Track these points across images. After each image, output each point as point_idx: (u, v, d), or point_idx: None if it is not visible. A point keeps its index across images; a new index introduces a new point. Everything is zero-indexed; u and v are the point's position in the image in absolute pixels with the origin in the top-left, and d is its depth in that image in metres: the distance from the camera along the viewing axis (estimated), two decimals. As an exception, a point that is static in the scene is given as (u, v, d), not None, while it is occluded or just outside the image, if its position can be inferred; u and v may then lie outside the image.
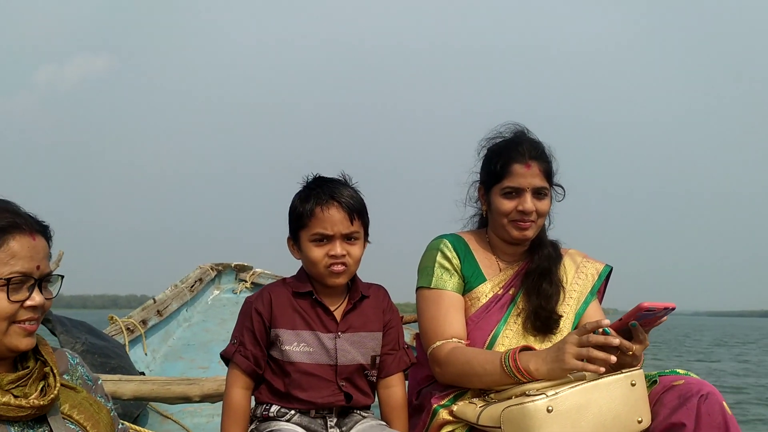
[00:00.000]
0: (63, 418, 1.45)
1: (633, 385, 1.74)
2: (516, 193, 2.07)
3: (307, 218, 1.87)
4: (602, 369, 1.73)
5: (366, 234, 1.96)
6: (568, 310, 2.13)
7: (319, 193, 1.89)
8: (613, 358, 1.72)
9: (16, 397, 1.37)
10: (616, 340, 1.73)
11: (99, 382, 1.66)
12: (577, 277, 2.19)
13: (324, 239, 1.87)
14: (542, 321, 2.09)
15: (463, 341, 2.04)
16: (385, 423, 1.93)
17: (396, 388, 1.97)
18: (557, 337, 2.06)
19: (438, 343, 2.03)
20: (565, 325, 2.10)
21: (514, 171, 2.06)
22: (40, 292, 1.43)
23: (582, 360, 1.74)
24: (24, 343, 1.42)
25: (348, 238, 1.89)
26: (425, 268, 2.16)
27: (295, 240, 1.95)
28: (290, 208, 1.94)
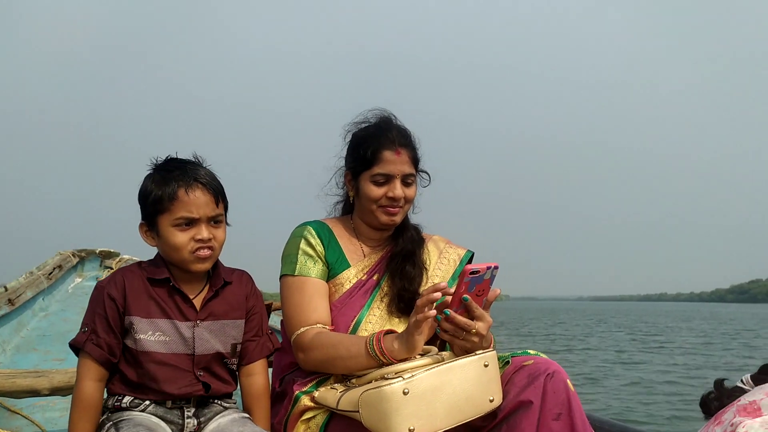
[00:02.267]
0: None
1: (486, 366, 1.79)
2: (386, 179, 2.09)
3: (169, 202, 1.77)
4: (433, 312, 1.76)
5: (226, 215, 1.90)
6: None
7: (181, 175, 1.79)
8: (437, 295, 1.76)
9: None
10: (442, 284, 1.78)
11: None
12: (440, 262, 2.25)
13: (189, 223, 1.79)
14: (406, 303, 2.12)
15: (327, 327, 2.04)
16: (247, 415, 1.89)
17: (258, 375, 1.94)
18: None
19: (302, 329, 2.02)
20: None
21: (385, 158, 2.08)
22: None
23: (420, 324, 1.77)
24: None
25: (213, 221, 1.82)
26: (289, 256, 2.13)
27: (150, 226, 1.83)
28: (143, 192, 1.83)
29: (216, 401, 1.88)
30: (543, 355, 1.92)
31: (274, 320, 4.35)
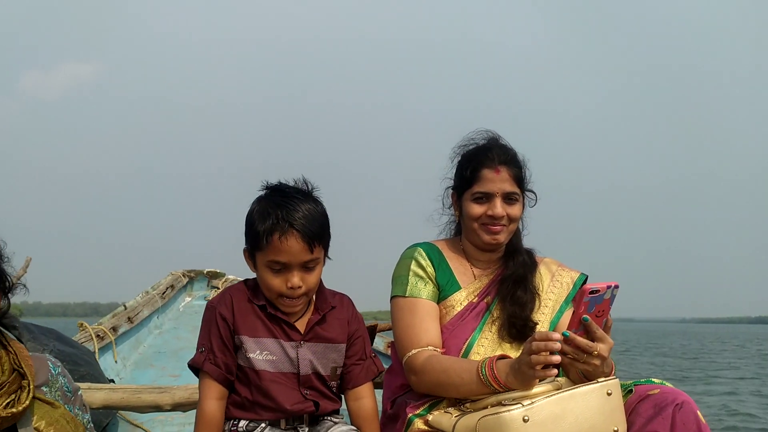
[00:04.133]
0: None
1: (609, 394, 1.73)
2: (486, 197, 2.08)
3: (265, 243, 1.79)
4: (553, 372, 1.72)
5: (326, 251, 1.89)
6: (543, 318, 2.13)
7: (279, 215, 1.78)
8: (557, 358, 1.69)
9: None
10: (556, 343, 1.69)
11: (79, 393, 1.62)
12: (552, 286, 2.20)
13: (281, 268, 1.80)
14: (518, 329, 2.08)
15: (438, 349, 2.03)
16: (356, 429, 1.89)
17: (366, 399, 1.94)
18: None
19: (414, 351, 2.01)
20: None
21: (484, 176, 2.07)
22: None
23: (536, 367, 1.71)
24: None
25: (305, 266, 1.82)
26: (399, 277, 2.15)
27: (251, 254, 1.87)
28: (248, 219, 1.86)
29: (326, 418, 1.90)
30: (668, 384, 1.84)
31: (378, 342, 4.38)
